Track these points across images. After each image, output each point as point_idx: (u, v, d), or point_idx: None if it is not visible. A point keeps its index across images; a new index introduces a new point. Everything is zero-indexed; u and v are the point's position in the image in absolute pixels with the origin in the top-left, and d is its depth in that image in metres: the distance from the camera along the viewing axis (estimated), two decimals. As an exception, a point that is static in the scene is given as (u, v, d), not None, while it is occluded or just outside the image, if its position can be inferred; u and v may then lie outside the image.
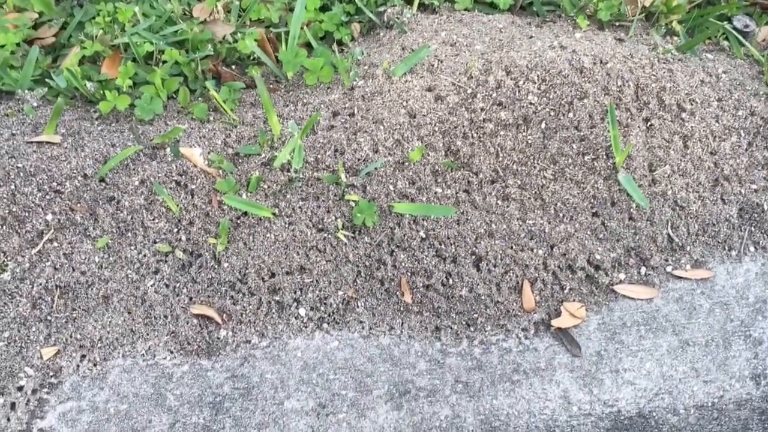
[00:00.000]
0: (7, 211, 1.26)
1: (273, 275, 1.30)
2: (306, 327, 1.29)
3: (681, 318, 1.33)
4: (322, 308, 1.30)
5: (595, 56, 1.42)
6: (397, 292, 1.31)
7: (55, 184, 1.29)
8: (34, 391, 1.19)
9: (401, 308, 1.31)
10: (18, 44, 1.49)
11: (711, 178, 1.43)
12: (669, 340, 1.31)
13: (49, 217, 1.27)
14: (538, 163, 1.37)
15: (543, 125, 1.37)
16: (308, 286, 1.30)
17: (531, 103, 1.37)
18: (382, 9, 1.63)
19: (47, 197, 1.28)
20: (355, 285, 1.31)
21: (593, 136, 1.38)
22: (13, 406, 1.17)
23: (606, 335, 1.31)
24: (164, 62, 1.47)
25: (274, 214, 1.31)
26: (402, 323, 1.30)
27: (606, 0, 1.60)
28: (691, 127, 1.44)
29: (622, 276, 1.37)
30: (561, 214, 1.37)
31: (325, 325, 1.29)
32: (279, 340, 1.27)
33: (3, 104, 1.44)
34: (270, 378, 1.23)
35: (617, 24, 1.64)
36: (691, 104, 1.45)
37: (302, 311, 1.29)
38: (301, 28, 1.52)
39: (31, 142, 1.33)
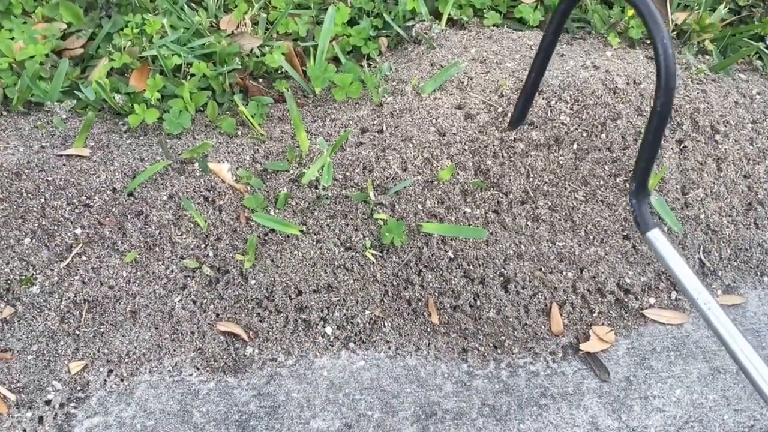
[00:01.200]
0: (36, 225, 1.29)
1: (300, 293, 1.32)
2: (332, 346, 1.31)
3: (711, 344, 1.34)
4: (349, 327, 1.31)
5: (629, 76, 1.43)
6: (425, 313, 1.33)
7: (84, 197, 1.31)
8: (61, 405, 1.21)
9: (428, 329, 1.33)
10: (47, 55, 1.52)
11: (744, 201, 1.43)
12: (699, 366, 1.31)
13: (78, 231, 1.30)
14: (569, 185, 1.39)
15: (575, 146, 1.39)
16: (335, 305, 1.32)
17: (563, 124, 1.39)
18: (410, 24, 1.64)
19: (76, 211, 1.31)
20: (382, 304, 1.33)
21: (626, 158, 1.39)
22: (41, 420, 1.19)
23: (635, 360, 1.32)
24: (192, 75, 1.50)
25: (301, 231, 1.33)
26: (429, 344, 1.32)
27: (637, 18, 1.61)
28: (725, 149, 1.44)
29: (652, 300, 1.38)
30: (591, 237, 1.38)
31: (351, 345, 1.31)
32: (305, 358, 1.29)
33: (32, 116, 1.47)
34: (296, 397, 1.25)
35: (648, 42, 1.65)
36: (725, 126, 1.46)
37: (329, 330, 1.31)
38: (329, 43, 1.54)
39: (61, 155, 1.35)
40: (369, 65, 1.60)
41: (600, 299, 1.36)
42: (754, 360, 0.85)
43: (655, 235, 0.94)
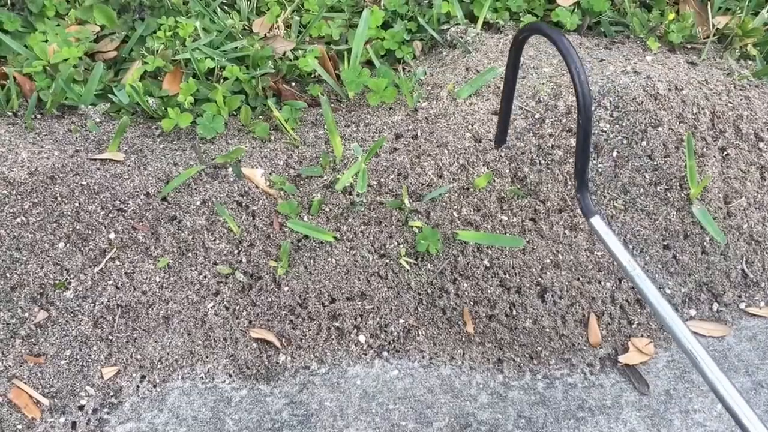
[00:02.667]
0: (71, 229, 1.29)
1: (333, 300, 1.31)
2: (366, 354, 1.30)
3: (754, 358, 1.31)
4: (383, 336, 1.30)
5: (670, 82, 1.40)
6: (459, 322, 1.31)
7: (118, 202, 1.32)
8: (94, 411, 1.22)
9: (463, 338, 1.31)
10: (80, 58, 1.53)
11: (789, 211, 1.40)
12: (741, 381, 1.28)
13: (112, 235, 1.30)
14: (608, 193, 1.36)
15: (614, 153, 1.36)
16: (369, 313, 1.31)
17: (602, 131, 1.36)
18: (444, 27, 1.63)
19: (110, 215, 1.31)
20: (416, 313, 1.32)
21: (667, 166, 1.37)
22: (74, 425, 1.20)
23: (675, 373, 1.29)
24: (225, 79, 1.49)
25: (335, 238, 1.32)
26: (463, 354, 1.30)
27: (678, 21, 1.58)
28: (769, 157, 1.41)
29: (692, 312, 1.35)
30: (631, 246, 1.36)
31: (384, 353, 1.30)
32: (338, 367, 1.28)
33: (66, 119, 1.48)
34: (329, 406, 1.24)
35: (688, 46, 1.62)
36: (769, 134, 1.43)
37: (362, 338, 1.30)
38: (363, 46, 1.53)
39: (95, 159, 1.36)
40: (403, 69, 1.59)
41: (639, 310, 1.34)
42: (681, 328, 0.98)
43: (597, 221, 1.11)
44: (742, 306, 1.37)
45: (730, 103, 1.43)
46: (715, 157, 1.40)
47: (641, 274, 1.04)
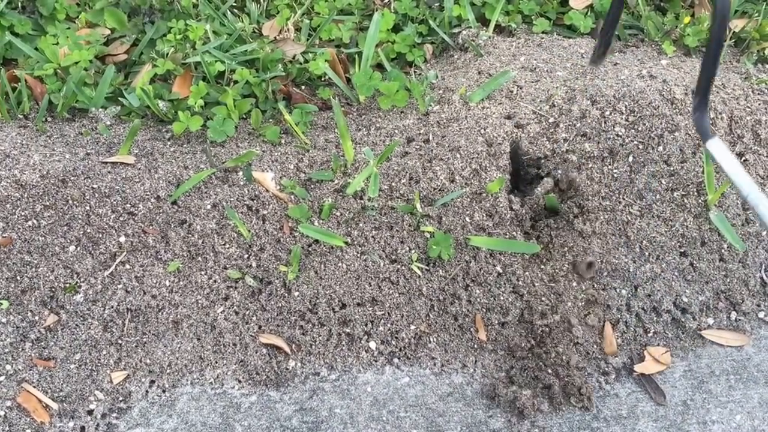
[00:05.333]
0: (81, 232, 1.31)
1: (344, 306, 1.32)
2: (376, 361, 1.31)
3: (774, 368, 1.31)
4: (393, 342, 1.32)
5: (686, 86, 1.41)
6: (471, 329, 1.32)
7: (128, 205, 1.34)
8: (103, 416, 1.23)
9: (475, 345, 1.32)
10: (90, 61, 1.56)
11: (809, 218, 1.40)
12: (761, 391, 1.29)
13: (122, 239, 1.32)
14: (623, 198, 1.37)
15: (630, 158, 1.37)
16: (379, 319, 1.32)
17: (618, 135, 1.37)
18: (456, 30, 1.65)
19: (121, 219, 1.33)
20: (427, 319, 1.33)
21: (684, 172, 1.38)
22: (83, 430, 1.22)
23: (693, 384, 1.29)
24: (235, 82, 1.52)
25: (346, 242, 1.34)
26: (475, 361, 1.31)
27: (694, 25, 1.59)
28: (788, 163, 1.42)
29: (710, 321, 1.35)
30: (647, 253, 1.36)
31: (395, 360, 1.31)
32: (348, 373, 1.30)
33: (77, 122, 1.51)
34: (339, 413, 1.25)
35: (704, 50, 1.63)
36: (788, 139, 1.43)
37: (373, 344, 1.31)
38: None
39: (106, 163, 1.38)
40: (414, 73, 1.61)
41: (655, 318, 1.34)
42: None
43: (715, 144, 1.03)
44: (761, 315, 1.37)
45: (748, 107, 1.44)
46: (732, 162, 1.40)
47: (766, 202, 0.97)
